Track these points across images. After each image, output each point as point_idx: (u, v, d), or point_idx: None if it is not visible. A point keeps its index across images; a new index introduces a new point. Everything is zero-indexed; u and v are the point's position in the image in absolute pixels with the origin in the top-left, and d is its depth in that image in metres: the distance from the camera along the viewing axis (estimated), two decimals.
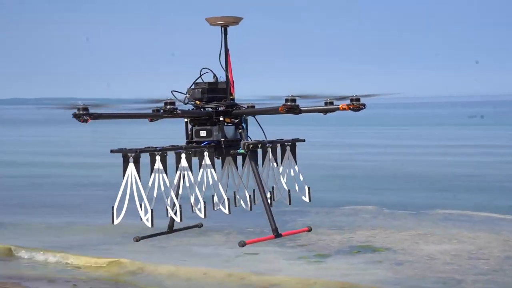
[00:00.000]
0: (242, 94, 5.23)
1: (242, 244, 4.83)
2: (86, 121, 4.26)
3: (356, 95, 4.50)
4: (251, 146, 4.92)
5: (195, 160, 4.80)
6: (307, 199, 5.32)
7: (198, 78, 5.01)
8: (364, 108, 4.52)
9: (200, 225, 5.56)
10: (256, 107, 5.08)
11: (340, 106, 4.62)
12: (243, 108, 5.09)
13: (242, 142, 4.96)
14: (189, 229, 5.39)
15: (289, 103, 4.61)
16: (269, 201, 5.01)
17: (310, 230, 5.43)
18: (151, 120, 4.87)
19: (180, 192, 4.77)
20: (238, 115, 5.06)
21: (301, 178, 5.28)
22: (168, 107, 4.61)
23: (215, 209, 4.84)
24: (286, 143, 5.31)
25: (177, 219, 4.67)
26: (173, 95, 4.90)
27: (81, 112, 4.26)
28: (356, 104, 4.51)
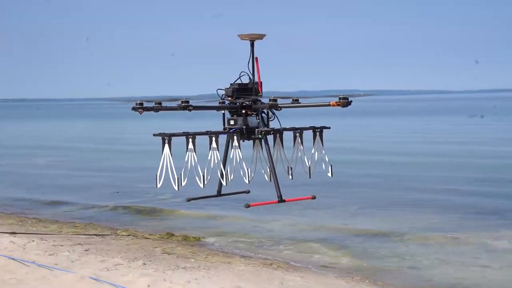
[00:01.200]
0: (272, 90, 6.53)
1: (247, 206, 5.92)
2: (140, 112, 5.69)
3: (344, 95, 5.64)
4: (263, 132, 6.12)
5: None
6: (330, 175, 6.28)
7: (237, 79, 6.24)
8: (350, 105, 5.63)
9: (247, 191, 6.60)
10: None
11: (331, 103, 5.72)
12: (262, 104, 6.16)
13: (257, 130, 6.14)
14: (236, 194, 6.51)
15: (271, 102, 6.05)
16: (290, 173, 6.24)
17: (314, 198, 6.32)
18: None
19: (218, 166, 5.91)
20: (257, 109, 6.15)
21: (327, 159, 6.30)
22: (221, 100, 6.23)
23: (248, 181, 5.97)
24: (316, 129, 6.39)
25: (224, 182, 5.97)
26: (217, 92, 6.25)
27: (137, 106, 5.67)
28: (343, 102, 5.61)
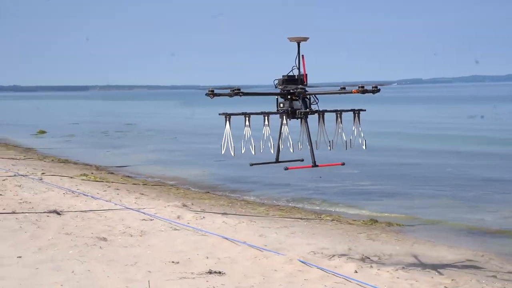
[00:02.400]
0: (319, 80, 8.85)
1: (285, 168, 7.82)
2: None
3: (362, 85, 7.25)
4: (302, 113, 7.70)
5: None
6: (364, 147, 7.83)
7: (290, 72, 7.82)
8: (366, 92, 7.22)
9: (301, 160, 8.14)
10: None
11: (352, 91, 7.34)
12: (302, 91, 7.68)
13: (298, 111, 7.71)
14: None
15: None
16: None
17: (343, 164, 8.10)
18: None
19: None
20: (300, 94, 7.67)
21: (362, 134, 7.85)
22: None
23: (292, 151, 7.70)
24: (355, 111, 7.94)
25: (277, 153, 7.91)
26: (273, 82, 7.91)
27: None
28: (361, 90, 7.22)
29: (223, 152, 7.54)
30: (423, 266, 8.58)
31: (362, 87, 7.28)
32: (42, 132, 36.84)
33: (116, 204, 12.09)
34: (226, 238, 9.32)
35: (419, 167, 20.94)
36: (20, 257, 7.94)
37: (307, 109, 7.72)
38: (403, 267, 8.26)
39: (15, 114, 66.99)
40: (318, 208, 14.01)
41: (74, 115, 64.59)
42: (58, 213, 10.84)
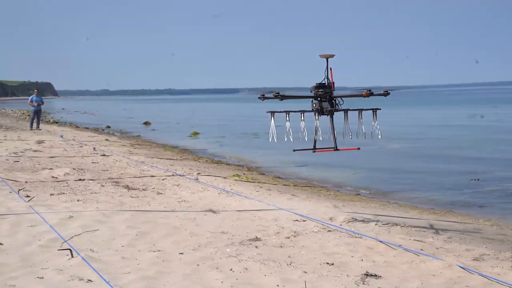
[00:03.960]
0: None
1: (313, 151, 10.55)
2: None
3: (370, 89, 10.13)
4: (328, 110, 10.29)
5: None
6: (379, 137, 10.49)
7: (323, 80, 10.37)
8: (373, 95, 10.15)
9: (358, 148, 10.55)
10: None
11: (363, 93, 10.08)
12: (328, 94, 10.30)
13: (325, 109, 10.28)
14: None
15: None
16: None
17: (359, 148, 10.56)
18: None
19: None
20: (326, 96, 10.27)
21: (378, 127, 10.51)
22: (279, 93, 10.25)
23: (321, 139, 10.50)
24: (374, 109, 10.52)
25: (314, 141, 10.54)
26: (310, 89, 10.45)
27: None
28: (369, 93, 10.03)
29: (270, 140, 10.28)
30: None
31: (370, 90, 10.05)
32: (196, 133, 38.40)
33: (269, 204, 12.31)
34: (381, 241, 9.17)
35: None
36: (181, 253, 8.31)
37: (332, 108, 10.33)
38: None
39: (171, 116, 70.42)
40: (474, 212, 13.41)
41: (224, 116, 66.81)
42: (214, 212, 11.22)
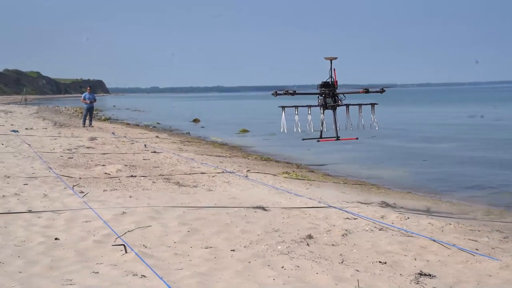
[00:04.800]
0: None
1: (318, 140, 12.02)
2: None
3: (365, 87, 11.76)
4: (331, 105, 11.63)
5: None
6: (377, 128, 11.79)
7: (327, 79, 11.59)
8: (369, 92, 11.61)
9: (356, 138, 12.47)
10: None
11: (360, 91, 11.60)
12: (332, 91, 11.62)
13: (329, 104, 11.60)
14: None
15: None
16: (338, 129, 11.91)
17: (357, 138, 12.51)
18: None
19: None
20: (331, 93, 11.60)
21: (376, 120, 11.79)
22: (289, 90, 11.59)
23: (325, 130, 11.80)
24: (372, 104, 11.83)
25: (321, 132, 11.92)
26: (317, 86, 11.77)
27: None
28: (365, 90, 11.53)
29: (281, 131, 11.59)
30: None
31: (367, 89, 11.60)
32: (245, 131, 38.55)
33: (319, 202, 12.25)
34: (434, 240, 9.02)
35: None
36: (233, 250, 8.34)
37: (335, 103, 11.63)
38: None
39: (219, 113, 70.85)
40: None
41: (274, 114, 66.83)
42: (265, 209, 11.23)
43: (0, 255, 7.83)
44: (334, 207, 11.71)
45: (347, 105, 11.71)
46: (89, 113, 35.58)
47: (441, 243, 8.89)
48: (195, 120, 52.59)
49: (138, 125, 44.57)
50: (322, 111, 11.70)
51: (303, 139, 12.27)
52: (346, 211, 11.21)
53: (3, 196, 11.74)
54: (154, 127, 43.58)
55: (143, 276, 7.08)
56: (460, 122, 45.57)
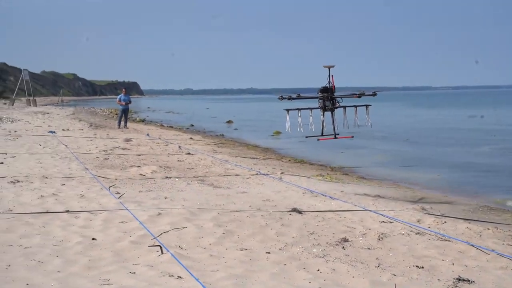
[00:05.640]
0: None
1: (318, 139, 13.60)
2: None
3: (361, 90, 13.18)
4: (329, 108, 12.93)
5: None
6: (371, 127, 13.53)
7: (326, 84, 12.85)
8: (364, 95, 12.90)
9: (352, 137, 13.71)
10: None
11: (355, 96, 12.91)
12: (330, 95, 12.98)
13: (327, 107, 12.92)
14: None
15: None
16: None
17: (352, 137, 13.78)
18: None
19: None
20: (330, 97, 12.93)
21: (370, 120, 13.28)
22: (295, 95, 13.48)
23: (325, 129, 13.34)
24: (366, 105, 13.15)
25: (322, 132, 13.41)
26: (317, 91, 13.08)
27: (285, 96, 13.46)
28: (360, 94, 12.81)
29: (286, 130, 13.46)
30: None
31: (363, 92, 12.84)
32: (278, 132, 38.50)
33: (355, 205, 12.17)
34: (473, 245, 8.89)
35: None
36: (268, 252, 8.33)
37: (332, 106, 12.91)
38: None
39: (253, 115, 70.97)
40: None
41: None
42: (300, 212, 11.19)
43: (39, 255, 7.95)
44: (369, 210, 11.62)
45: (344, 107, 13.11)
46: (124, 114, 35.94)
47: (479, 248, 8.76)
48: (229, 122, 52.71)
49: (172, 127, 44.86)
50: (322, 113, 13.14)
51: (306, 137, 13.71)
52: (382, 215, 11.12)
53: (42, 196, 11.92)
54: (188, 128, 43.83)
55: (179, 277, 7.11)
56: (498, 128, 44.85)
